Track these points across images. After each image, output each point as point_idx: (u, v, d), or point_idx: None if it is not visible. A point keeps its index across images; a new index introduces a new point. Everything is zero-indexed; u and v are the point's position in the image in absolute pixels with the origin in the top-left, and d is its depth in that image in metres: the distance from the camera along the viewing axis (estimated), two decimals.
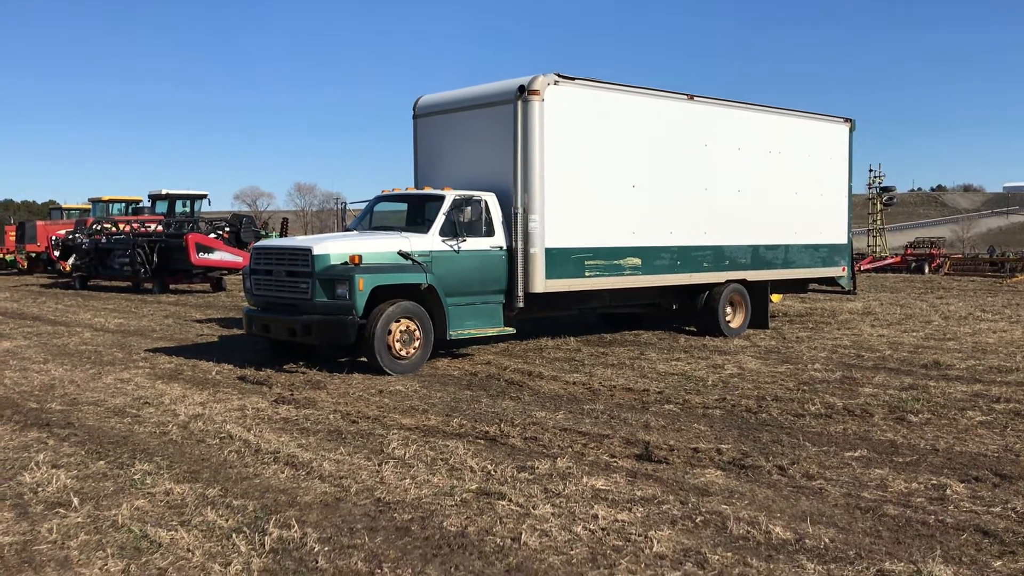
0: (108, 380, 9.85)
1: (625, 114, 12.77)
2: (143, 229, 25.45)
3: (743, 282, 14.45)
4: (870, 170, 51.09)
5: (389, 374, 10.20)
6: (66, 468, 6.28)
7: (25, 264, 32.52)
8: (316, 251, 10.43)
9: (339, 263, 10.38)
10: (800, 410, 8.33)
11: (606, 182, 12.54)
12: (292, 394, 9.09)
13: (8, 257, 33.91)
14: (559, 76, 11.82)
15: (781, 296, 18.47)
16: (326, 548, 4.77)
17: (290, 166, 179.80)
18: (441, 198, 11.39)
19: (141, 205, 35.06)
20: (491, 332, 11.57)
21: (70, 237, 26.43)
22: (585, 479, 6.00)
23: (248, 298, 11.59)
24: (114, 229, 26.16)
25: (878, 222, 49.65)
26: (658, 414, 8.23)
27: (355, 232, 11.86)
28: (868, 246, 48.70)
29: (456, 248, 11.12)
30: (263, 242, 14.10)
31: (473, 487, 5.83)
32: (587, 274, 12.26)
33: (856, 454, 6.74)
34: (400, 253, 10.70)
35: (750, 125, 14.56)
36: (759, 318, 14.75)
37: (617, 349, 12.52)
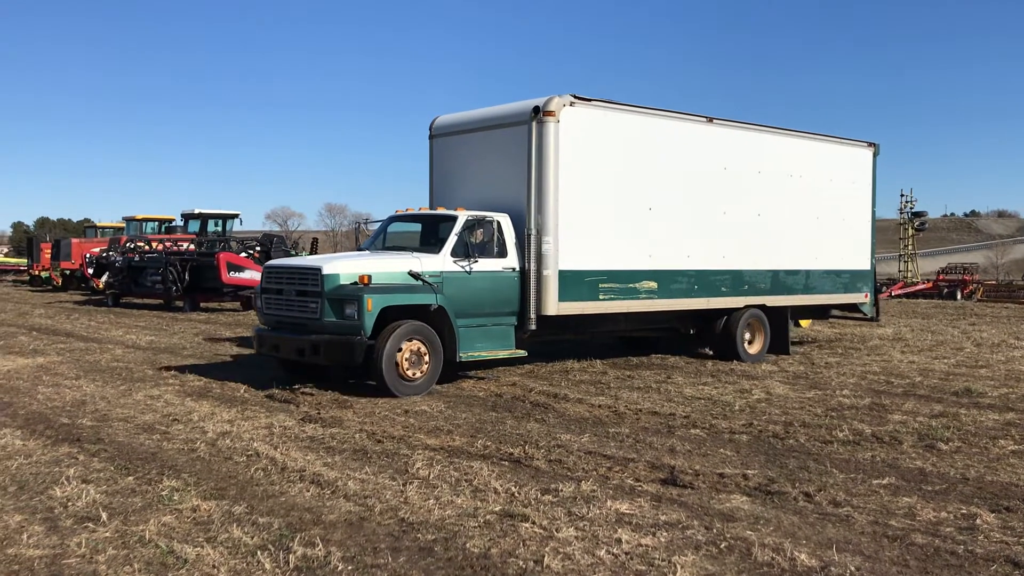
0: (138, 397, 9.97)
1: (642, 136, 12.71)
2: (175, 248, 25.79)
3: (762, 307, 14.31)
4: (902, 195, 50.81)
5: (396, 396, 10.10)
6: (96, 483, 6.36)
7: (60, 281, 33.06)
8: (326, 271, 10.40)
9: (349, 283, 10.33)
10: (828, 436, 8.25)
11: (622, 204, 12.49)
12: (319, 413, 9.15)
13: (44, 274, 34.51)
14: (575, 97, 11.79)
15: (810, 321, 18.34)
16: (350, 567, 4.79)
17: (321, 187, 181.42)
18: (453, 219, 11.37)
19: (174, 224, 35.53)
20: (502, 355, 11.44)
21: (104, 255, 26.83)
22: (609, 503, 5.98)
23: (259, 317, 11.60)
24: (147, 247, 26.53)
25: (909, 247, 49.24)
26: (684, 438, 8.19)
27: (366, 252, 11.86)
28: (899, 271, 48.27)
29: (468, 269, 11.06)
30: (274, 261, 14.22)
31: (497, 509, 5.84)
32: (601, 297, 12.16)
33: (884, 482, 6.66)
34: (411, 273, 10.66)
35: (770, 148, 14.47)
36: (779, 344, 14.57)
37: (643, 372, 12.48)
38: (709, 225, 13.56)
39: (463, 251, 11.06)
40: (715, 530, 5.45)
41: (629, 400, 10.17)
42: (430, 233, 11.94)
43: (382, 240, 12.38)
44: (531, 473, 6.86)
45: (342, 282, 10.36)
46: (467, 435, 8.22)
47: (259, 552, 4.97)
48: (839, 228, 15.48)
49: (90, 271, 27.38)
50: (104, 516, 5.58)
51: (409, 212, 12.43)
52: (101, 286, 26.33)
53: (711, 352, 14.36)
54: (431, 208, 12.51)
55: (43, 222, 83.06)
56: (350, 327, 10.12)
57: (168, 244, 26.82)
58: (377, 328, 10.20)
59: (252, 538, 5.21)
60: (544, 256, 11.55)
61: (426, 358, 10.48)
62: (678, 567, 4.81)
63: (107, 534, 5.27)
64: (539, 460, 7.25)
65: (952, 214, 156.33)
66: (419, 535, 5.31)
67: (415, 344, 10.40)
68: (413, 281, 10.64)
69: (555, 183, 11.58)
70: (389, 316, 10.33)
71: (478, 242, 11.22)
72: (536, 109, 11.61)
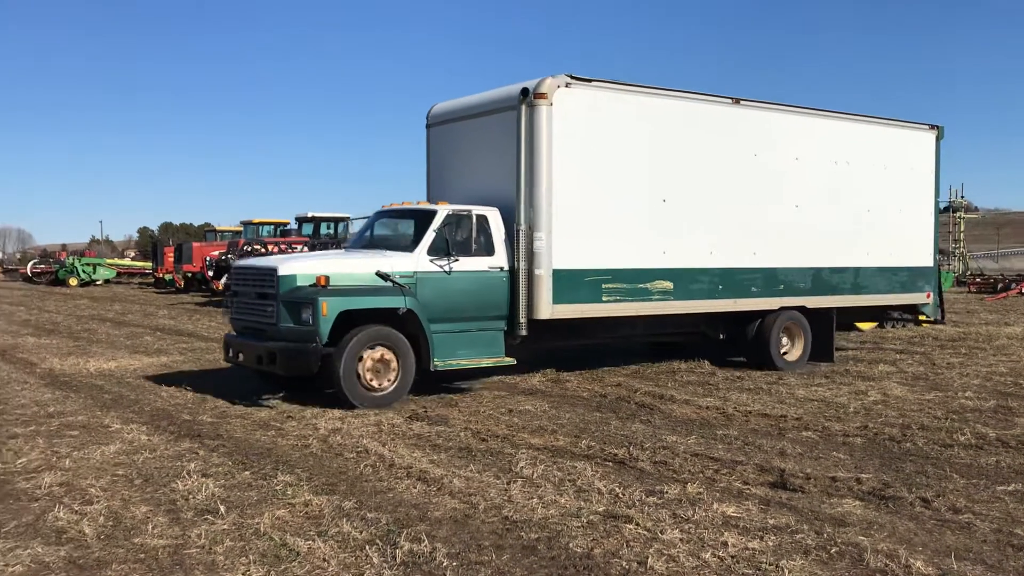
0: (254, 395, 10.34)
1: (654, 120, 11.54)
2: (289, 250, 26.64)
3: (802, 309, 12.99)
4: (950, 188, 48.07)
5: (357, 407, 9.30)
6: (215, 477, 6.64)
7: (182, 283, 34.64)
8: (281, 271, 9.59)
9: (306, 285, 9.50)
10: (948, 440, 7.91)
11: (630, 196, 11.37)
12: (425, 411, 9.30)
13: (167, 276, 36.22)
14: (572, 78, 10.69)
15: (874, 324, 17.08)
16: (454, 563, 4.86)
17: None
18: (432, 214, 10.42)
19: (289, 227, 36.71)
20: (486, 363, 10.48)
21: (223, 258, 27.94)
22: (716, 505, 5.88)
23: (230, 321, 10.90)
24: (263, 250, 27.50)
25: (961, 245, 46.81)
26: (795, 441, 7.98)
27: (337, 251, 11.11)
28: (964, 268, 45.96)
29: (447, 269, 10.11)
30: (241, 260, 13.32)
31: (600, 509, 5.82)
32: (605, 299, 11.06)
33: (1009, 488, 6.34)
34: (378, 274, 9.73)
35: (811, 132, 13.12)
36: (823, 350, 13.19)
37: (754, 373, 12.21)
38: (736, 218, 12.30)
39: (442, 249, 10.11)
40: (825, 535, 5.29)
41: (738, 402, 9.97)
42: (412, 230, 10.86)
43: (369, 237, 11.37)
44: (635, 474, 6.81)
45: (299, 284, 9.53)
46: (571, 435, 8.21)
47: (367, 546, 5.09)
48: (895, 220, 13.99)
49: (210, 273, 28.59)
50: (222, 509, 5.81)
51: (393, 207, 11.42)
52: (221, 288, 27.45)
53: (745, 360, 13.07)
54: (431, 202, 11.55)
55: (166, 227, 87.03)
56: (306, 333, 9.31)
57: (283, 246, 27.74)
58: (341, 334, 9.39)
59: (361, 533, 5.34)
60: (536, 254, 10.52)
61: (393, 366, 9.64)
62: (786, 571, 4.70)
63: (225, 526, 5.49)
64: (644, 461, 7.18)
65: None
66: (522, 533, 5.34)
67: (379, 351, 9.56)
68: (381, 282, 9.74)
69: (548, 173, 10.52)
70: (356, 320, 9.54)
71: (462, 239, 10.30)
72: (525, 91, 10.52)
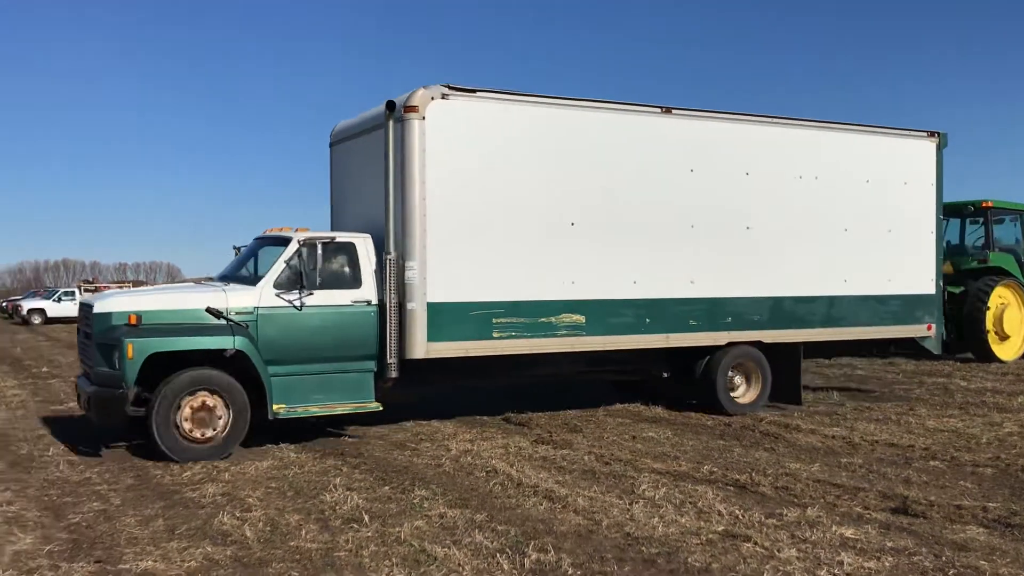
0: (391, 418, 10.95)
1: (561, 134, 10.26)
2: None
3: (758, 344, 11.53)
4: None
5: (178, 460, 8.35)
6: (358, 491, 7.20)
7: None
8: (97, 308, 8.78)
9: (121, 324, 8.61)
10: None
11: (528, 220, 10.05)
12: (550, 436, 9.68)
13: None
14: (450, 88, 9.60)
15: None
16: (579, 572, 5.20)
17: None
18: (286, 242, 9.41)
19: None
20: (341, 410, 9.33)
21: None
22: (834, 528, 6.01)
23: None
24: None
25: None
26: (921, 470, 7.95)
27: (184, 285, 10.13)
28: None
29: (298, 304, 9.09)
30: (85, 296, 12.22)
31: (720, 529, 6.04)
32: (497, 335, 9.81)
33: None
34: (209, 310, 8.79)
35: (767, 144, 11.50)
36: (789, 390, 11.75)
37: (883, 404, 12.04)
38: (667, 243, 10.84)
39: (294, 282, 9.11)
40: (944, 558, 5.36)
41: (865, 431, 9.91)
42: (269, 259, 9.70)
43: (234, 267, 10.18)
44: (756, 498, 6.98)
45: (114, 323, 8.64)
46: (693, 461, 8.42)
47: (498, 554, 5.50)
48: (883, 241, 12.21)
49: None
50: (366, 518, 6.34)
51: (270, 233, 10.08)
52: None
53: (695, 401, 11.66)
54: (334, 228, 10.91)
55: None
56: (114, 377, 8.42)
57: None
58: (159, 378, 8.51)
59: (492, 542, 5.76)
60: (408, 285, 9.40)
61: (219, 413, 8.63)
62: None
63: (369, 533, 6.01)
64: (765, 487, 7.34)
65: None
66: (643, 548, 5.64)
67: (201, 398, 8.60)
68: (214, 320, 8.80)
69: (422, 196, 9.42)
70: (187, 363, 8.62)
71: (324, 270, 9.24)
72: (390, 105, 9.49)
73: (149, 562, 5.43)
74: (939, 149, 12.77)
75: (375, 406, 9.45)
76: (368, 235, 9.71)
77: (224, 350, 8.66)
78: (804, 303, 11.71)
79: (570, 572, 5.19)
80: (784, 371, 11.68)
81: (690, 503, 6.77)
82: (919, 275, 12.56)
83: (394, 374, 9.44)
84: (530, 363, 10.40)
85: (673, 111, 10.95)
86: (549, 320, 10.10)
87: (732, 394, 11.44)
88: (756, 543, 5.68)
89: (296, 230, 9.63)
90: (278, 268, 9.19)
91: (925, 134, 12.71)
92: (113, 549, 5.72)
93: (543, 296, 10.10)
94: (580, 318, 10.27)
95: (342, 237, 9.63)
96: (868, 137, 12.25)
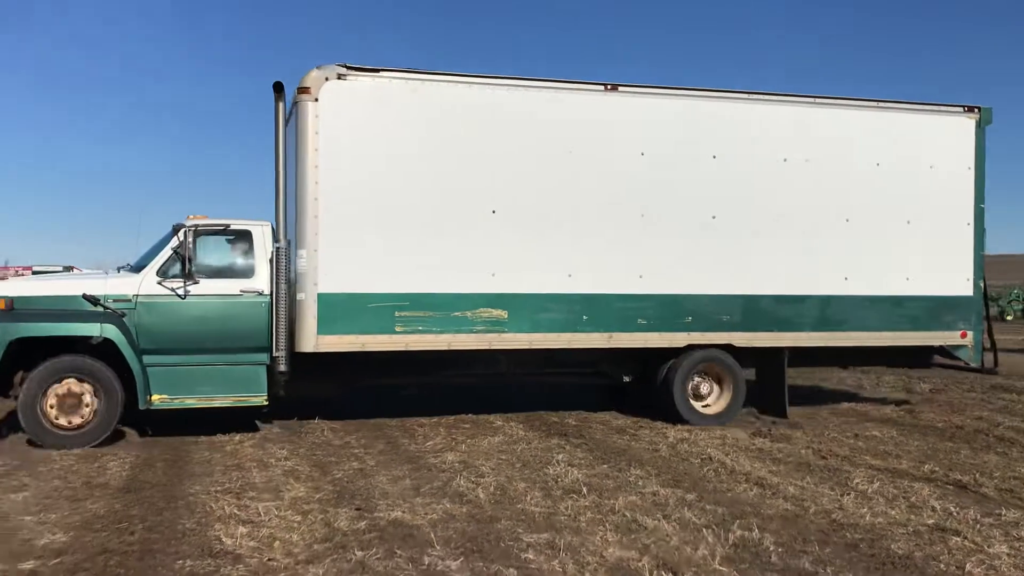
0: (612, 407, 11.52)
1: (481, 116, 9.60)
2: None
3: (728, 348, 10.42)
4: None
5: (44, 447, 8.31)
6: (578, 467, 7.83)
7: None
8: None
9: None
10: None
11: (439, 207, 9.46)
12: (769, 430, 9.86)
13: None
14: (348, 68, 9.13)
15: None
16: (780, 549, 5.52)
17: None
18: (176, 229, 9.18)
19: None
20: (220, 402, 9.02)
21: None
22: None
23: None
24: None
25: None
26: None
27: (75, 271, 9.88)
28: None
29: (182, 292, 8.94)
30: None
31: (929, 522, 6.11)
32: (399, 329, 9.28)
33: None
34: (86, 297, 8.73)
35: (740, 123, 10.32)
36: (772, 401, 10.71)
37: None
38: (611, 233, 9.91)
39: (179, 270, 8.96)
40: None
41: None
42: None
43: (144, 256, 9.86)
44: (975, 498, 6.91)
45: None
46: (915, 460, 8.35)
47: (704, 529, 5.91)
48: (899, 235, 10.75)
49: None
50: (584, 490, 6.95)
51: (186, 222, 9.52)
52: None
53: (659, 410, 10.60)
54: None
55: None
56: None
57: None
58: (25, 366, 8.55)
59: (699, 519, 6.18)
60: (299, 274, 9.08)
61: (86, 401, 8.55)
62: None
63: (586, 503, 6.60)
64: (988, 488, 7.22)
65: None
66: (847, 534, 5.84)
67: (68, 385, 8.52)
68: (89, 307, 8.73)
69: (315, 181, 9.04)
70: (58, 350, 8.58)
71: (215, 259, 9.17)
72: (278, 87, 9.11)
73: (399, 513, 6.31)
74: (980, 126, 11.04)
75: (260, 400, 9.17)
76: (268, 223, 9.47)
77: (90, 337, 8.59)
78: (788, 303, 10.48)
79: (771, 549, 5.52)
80: (766, 379, 10.85)
81: (903, 498, 6.82)
82: (950, 274, 10.98)
83: (283, 367, 9.12)
84: (447, 361, 9.90)
85: (620, 88, 10.03)
86: (464, 315, 9.54)
87: (698, 403, 10.45)
88: (966, 537, 5.72)
89: (192, 217, 9.37)
90: (163, 256, 9.10)
91: (961, 109, 11.01)
92: (369, 500, 6.68)
93: (457, 289, 9.52)
94: (502, 313, 9.63)
95: (238, 225, 9.39)
96: (878, 114, 10.79)
